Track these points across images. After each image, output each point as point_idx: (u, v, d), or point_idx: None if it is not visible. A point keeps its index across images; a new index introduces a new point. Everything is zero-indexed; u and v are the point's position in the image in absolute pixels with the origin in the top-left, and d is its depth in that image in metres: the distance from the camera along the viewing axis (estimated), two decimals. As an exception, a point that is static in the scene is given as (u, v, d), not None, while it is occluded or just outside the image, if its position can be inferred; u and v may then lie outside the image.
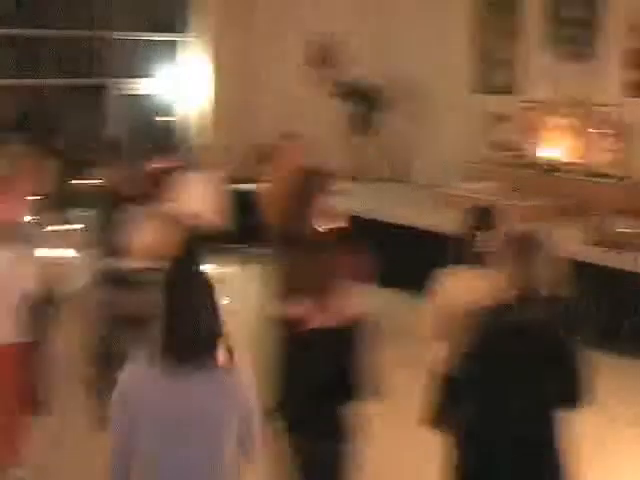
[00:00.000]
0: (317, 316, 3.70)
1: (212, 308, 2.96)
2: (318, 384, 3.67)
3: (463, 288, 4.33)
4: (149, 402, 2.93)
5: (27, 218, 5.63)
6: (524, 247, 3.68)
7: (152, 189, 5.90)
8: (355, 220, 8.28)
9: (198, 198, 6.87)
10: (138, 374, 2.97)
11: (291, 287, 3.87)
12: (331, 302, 3.69)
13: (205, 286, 2.99)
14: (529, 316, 3.59)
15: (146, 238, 4.36)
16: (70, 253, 5.56)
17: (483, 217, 4.62)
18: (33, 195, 6.21)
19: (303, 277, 3.70)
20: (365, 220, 9.06)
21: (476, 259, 4.42)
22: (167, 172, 6.24)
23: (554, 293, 3.73)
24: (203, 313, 2.92)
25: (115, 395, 2.98)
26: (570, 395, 3.56)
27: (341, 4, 11.87)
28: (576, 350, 3.60)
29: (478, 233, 4.47)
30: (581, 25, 9.44)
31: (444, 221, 8.98)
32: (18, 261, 4.88)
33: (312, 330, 3.70)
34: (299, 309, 3.75)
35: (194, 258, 3.39)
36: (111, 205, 5.69)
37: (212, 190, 7.32)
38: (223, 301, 3.09)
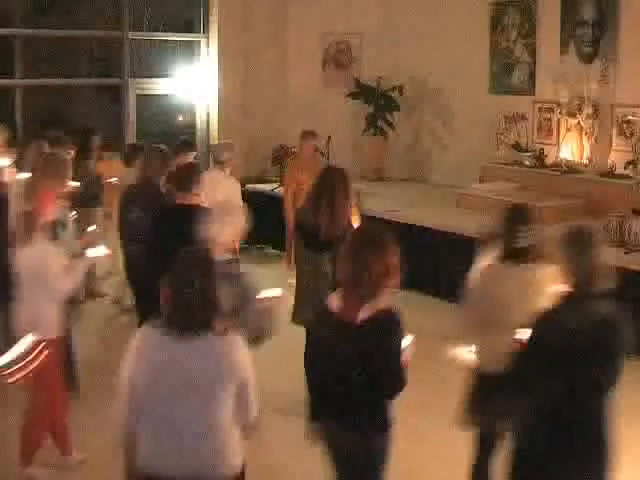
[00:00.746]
0: (356, 310, 3.77)
1: (210, 289, 3.49)
2: (353, 377, 3.76)
3: (503, 284, 4.44)
4: (154, 360, 3.47)
5: (62, 216, 5.86)
6: (582, 242, 3.72)
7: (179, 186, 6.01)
8: (372, 220, 8.34)
9: (219, 196, 6.93)
10: (149, 336, 3.54)
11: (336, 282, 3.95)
12: (368, 297, 3.75)
13: (206, 270, 3.52)
14: (589, 313, 3.66)
15: (220, 232, 4.66)
16: (103, 251, 5.69)
17: (522, 213, 4.65)
18: (69, 193, 6.44)
19: (347, 272, 3.79)
20: (381, 220, 9.06)
21: (517, 254, 4.50)
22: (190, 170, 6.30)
23: (608, 287, 3.79)
24: (201, 293, 3.46)
25: (129, 352, 3.53)
26: (614, 384, 3.76)
27: (359, 4, 11.90)
28: (622, 346, 3.71)
29: (520, 228, 4.52)
30: (599, 26, 9.44)
31: (461, 222, 9.02)
32: (63, 258, 5.13)
33: (350, 323, 3.76)
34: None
35: (200, 250, 3.62)
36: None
37: (231, 188, 7.38)
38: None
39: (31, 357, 3.83)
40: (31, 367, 3.89)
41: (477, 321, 4.58)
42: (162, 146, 7.20)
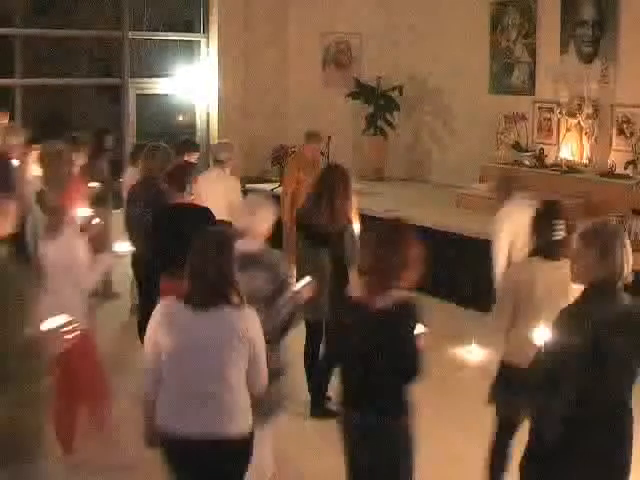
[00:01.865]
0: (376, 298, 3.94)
1: (225, 265, 3.82)
2: (375, 362, 3.92)
3: (537, 278, 4.57)
4: (173, 328, 3.81)
5: (82, 212, 5.98)
6: (607, 238, 3.75)
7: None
8: (372, 220, 8.34)
9: (219, 195, 6.99)
10: (169, 307, 3.88)
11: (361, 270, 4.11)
12: (387, 285, 3.92)
13: (222, 246, 3.87)
14: (616, 306, 3.72)
15: (258, 222, 4.95)
16: (127, 247, 5.81)
17: (555, 209, 4.80)
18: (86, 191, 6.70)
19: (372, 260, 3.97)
20: (381, 220, 9.06)
21: (550, 249, 4.64)
22: (185, 170, 6.35)
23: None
24: (217, 267, 3.79)
25: (151, 319, 3.88)
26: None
27: (359, 4, 11.90)
28: None
29: (555, 223, 4.66)
30: (599, 26, 9.44)
31: (461, 222, 9.03)
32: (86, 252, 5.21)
33: (369, 309, 3.93)
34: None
35: (219, 230, 3.99)
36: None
37: (231, 188, 7.41)
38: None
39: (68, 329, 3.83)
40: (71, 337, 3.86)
41: (510, 314, 4.69)
42: (163, 144, 7.22)
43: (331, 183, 5.97)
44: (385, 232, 4.06)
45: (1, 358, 3.40)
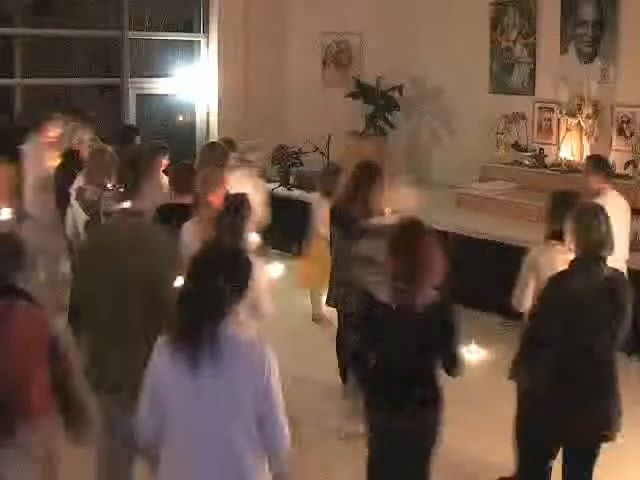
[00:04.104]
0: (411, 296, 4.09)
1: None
2: (417, 361, 4.15)
3: (557, 259, 4.89)
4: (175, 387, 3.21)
5: (106, 206, 6.34)
6: (589, 216, 4.35)
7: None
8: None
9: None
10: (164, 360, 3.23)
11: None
12: (422, 287, 4.07)
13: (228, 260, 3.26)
14: (595, 274, 4.26)
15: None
16: None
17: (572, 197, 5.20)
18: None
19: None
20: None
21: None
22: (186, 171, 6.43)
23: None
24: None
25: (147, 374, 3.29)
26: (624, 340, 4.43)
27: (359, 4, 11.90)
28: (628, 301, 4.34)
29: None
30: (599, 26, 9.44)
31: (461, 222, 9.03)
32: None
33: (409, 312, 4.08)
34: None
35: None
36: None
37: (256, 187, 7.61)
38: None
39: None
40: None
41: (530, 290, 5.09)
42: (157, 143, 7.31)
43: (365, 178, 6.27)
44: (409, 234, 4.18)
45: (154, 312, 3.80)
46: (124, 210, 4.27)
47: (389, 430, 4.22)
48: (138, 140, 8.94)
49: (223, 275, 3.16)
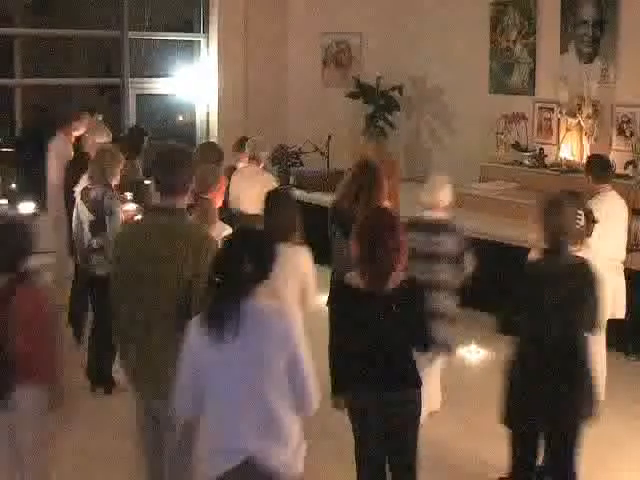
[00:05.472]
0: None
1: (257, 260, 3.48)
2: (390, 341, 4.33)
3: None
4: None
5: (110, 204, 6.58)
6: (551, 206, 4.61)
7: None
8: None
9: (254, 191, 7.25)
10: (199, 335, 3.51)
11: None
12: (388, 271, 4.27)
13: (253, 244, 3.53)
14: (557, 264, 4.56)
15: (443, 196, 6.10)
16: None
17: (575, 199, 5.45)
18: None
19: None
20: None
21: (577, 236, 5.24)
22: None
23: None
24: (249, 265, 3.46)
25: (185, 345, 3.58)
26: (591, 323, 4.66)
27: (359, 4, 11.90)
28: (597, 288, 4.59)
29: (579, 212, 5.37)
30: (599, 26, 9.44)
31: (461, 222, 9.01)
32: None
33: (378, 294, 4.29)
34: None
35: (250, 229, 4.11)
36: None
37: (266, 183, 7.72)
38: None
39: None
40: None
41: None
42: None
43: (366, 178, 6.27)
44: (374, 220, 4.41)
45: (189, 308, 4.01)
46: (156, 207, 4.39)
47: (373, 407, 4.37)
48: (146, 141, 9.02)
49: (246, 258, 3.43)
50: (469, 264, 6.06)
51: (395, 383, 4.36)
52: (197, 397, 3.53)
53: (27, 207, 8.32)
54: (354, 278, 4.34)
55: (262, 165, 8.11)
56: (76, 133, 8.60)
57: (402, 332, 4.30)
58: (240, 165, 8.26)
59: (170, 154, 4.51)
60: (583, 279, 4.58)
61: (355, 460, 4.55)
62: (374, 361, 4.31)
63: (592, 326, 4.69)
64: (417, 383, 4.43)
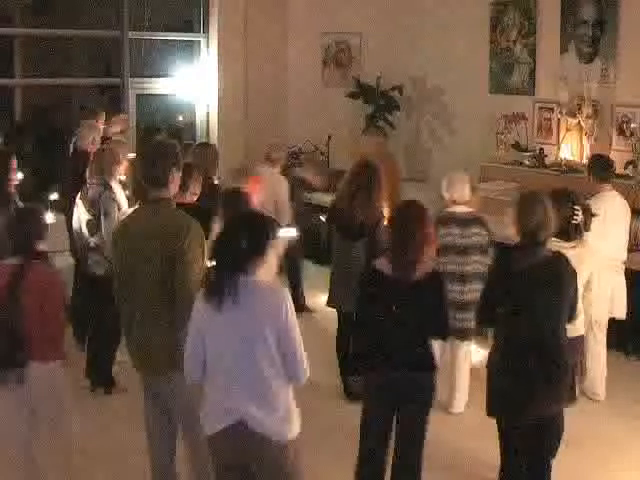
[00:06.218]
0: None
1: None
2: (410, 326, 4.59)
3: None
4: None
5: (106, 204, 6.61)
6: (530, 203, 4.73)
7: None
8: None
9: (268, 193, 7.35)
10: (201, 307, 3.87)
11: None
12: (417, 260, 4.57)
13: (247, 223, 3.89)
14: (534, 256, 4.65)
15: (468, 192, 6.53)
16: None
17: (573, 196, 5.62)
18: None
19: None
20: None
21: (570, 230, 5.43)
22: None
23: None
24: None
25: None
26: (570, 312, 4.81)
27: (359, 4, 11.90)
28: (574, 280, 4.79)
29: (575, 208, 5.50)
30: (599, 26, 9.44)
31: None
32: None
33: (405, 281, 4.58)
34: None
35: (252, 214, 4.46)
36: None
37: (280, 185, 7.78)
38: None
39: None
40: None
41: None
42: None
43: (365, 178, 6.38)
44: (405, 211, 4.68)
45: (180, 289, 4.35)
46: (153, 198, 4.61)
47: (390, 386, 4.59)
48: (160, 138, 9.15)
49: (241, 235, 3.76)
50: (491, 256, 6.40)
51: (411, 365, 4.58)
52: (203, 364, 3.85)
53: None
54: (384, 265, 4.62)
55: (276, 168, 8.24)
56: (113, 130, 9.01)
57: (421, 319, 4.56)
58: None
59: (151, 149, 4.81)
60: (562, 272, 4.73)
61: (359, 433, 4.77)
62: (393, 344, 4.56)
63: (571, 317, 4.86)
64: (432, 367, 4.68)
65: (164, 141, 5.20)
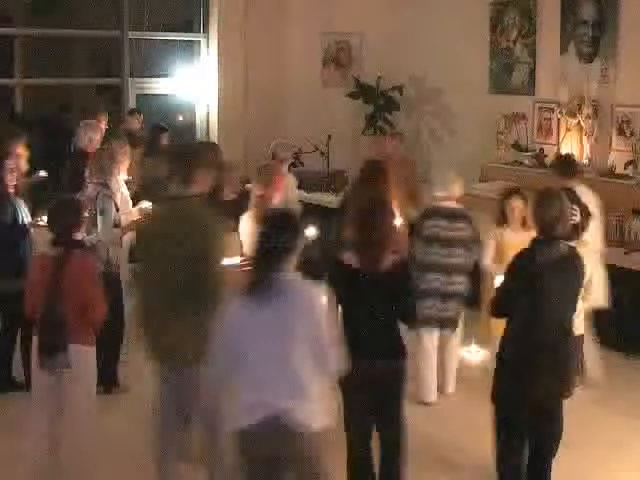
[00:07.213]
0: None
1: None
2: (381, 315, 4.76)
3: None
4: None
5: (102, 203, 6.67)
6: (548, 199, 4.80)
7: None
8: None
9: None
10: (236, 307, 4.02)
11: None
12: (383, 252, 4.71)
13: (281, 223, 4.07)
14: (552, 251, 4.72)
15: (457, 189, 6.80)
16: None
17: (571, 196, 5.70)
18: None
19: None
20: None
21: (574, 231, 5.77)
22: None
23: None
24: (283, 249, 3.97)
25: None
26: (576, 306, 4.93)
27: (359, 4, 11.90)
28: (584, 275, 4.96)
29: (574, 207, 5.68)
30: (599, 26, 9.44)
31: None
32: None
33: (374, 272, 4.72)
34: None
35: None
36: None
37: (289, 183, 7.92)
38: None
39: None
40: None
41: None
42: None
43: (373, 176, 6.62)
44: (368, 206, 4.82)
45: (202, 283, 4.52)
46: (171, 196, 4.82)
47: (365, 375, 4.69)
48: (165, 138, 9.16)
49: (282, 235, 3.94)
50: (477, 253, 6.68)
51: (385, 353, 4.77)
52: (231, 359, 3.94)
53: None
54: (350, 258, 4.77)
55: (285, 167, 8.30)
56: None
57: (390, 308, 4.73)
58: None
59: (183, 148, 5.00)
60: (578, 266, 4.86)
61: (345, 430, 4.90)
62: (364, 333, 4.72)
63: (575, 309, 4.99)
64: (402, 353, 4.85)
65: (195, 143, 5.52)
